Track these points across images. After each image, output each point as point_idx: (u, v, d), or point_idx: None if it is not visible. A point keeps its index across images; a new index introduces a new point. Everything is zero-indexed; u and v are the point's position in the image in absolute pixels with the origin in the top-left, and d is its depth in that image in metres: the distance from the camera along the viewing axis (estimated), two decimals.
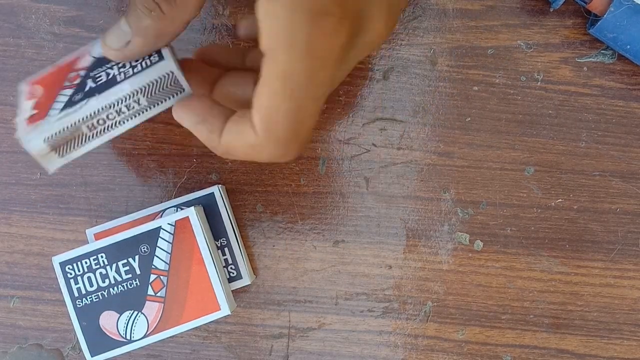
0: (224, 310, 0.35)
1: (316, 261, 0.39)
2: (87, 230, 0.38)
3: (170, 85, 0.30)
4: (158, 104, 0.30)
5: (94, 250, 0.35)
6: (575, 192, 0.39)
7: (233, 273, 0.38)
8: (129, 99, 0.30)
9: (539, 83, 0.39)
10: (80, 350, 0.39)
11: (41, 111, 0.30)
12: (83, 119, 0.30)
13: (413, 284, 0.39)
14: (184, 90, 0.30)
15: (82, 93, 0.30)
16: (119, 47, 0.29)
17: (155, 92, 0.30)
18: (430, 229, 0.39)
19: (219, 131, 0.28)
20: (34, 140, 0.30)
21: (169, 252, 0.35)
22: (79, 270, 0.35)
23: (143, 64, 0.30)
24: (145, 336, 0.35)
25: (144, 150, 0.39)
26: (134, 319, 0.35)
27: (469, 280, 0.39)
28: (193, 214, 0.35)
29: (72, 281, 0.35)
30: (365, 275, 0.39)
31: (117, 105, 0.30)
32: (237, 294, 0.39)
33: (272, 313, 0.39)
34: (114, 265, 0.35)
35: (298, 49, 0.24)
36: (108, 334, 0.35)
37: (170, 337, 0.35)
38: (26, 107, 0.31)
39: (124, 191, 0.39)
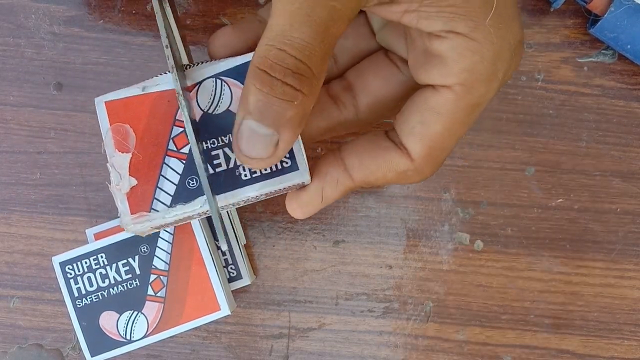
0: (224, 310, 0.35)
1: (316, 261, 0.39)
2: (87, 230, 0.38)
3: (296, 187, 0.26)
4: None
5: (93, 250, 0.35)
6: (575, 192, 0.39)
7: (233, 273, 0.38)
8: (249, 200, 0.26)
9: (539, 83, 0.39)
10: (80, 350, 0.39)
11: (143, 185, 0.25)
12: (198, 214, 0.26)
13: (413, 284, 0.39)
14: (304, 183, 0.26)
15: (197, 179, 0.25)
16: (269, 155, 0.24)
17: (278, 193, 0.26)
18: (431, 229, 0.39)
19: (346, 176, 0.26)
20: (139, 229, 0.26)
21: (169, 252, 0.35)
22: (78, 270, 0.35)
23: (273, 167, 0.26)
24: (145, 336, 0.35)
25: None
26: (134, 319, 0.35)
27: (469, 280, 0.39)
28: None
29: (72, 281, 0.35)
30: (366, 275, 0.39)
31: (236, 204, 0.26)
32: (237, 294, 0.39)
33: (272, 313, 0.39)
34: (113, 265, 0.35)
35: (497, 81, 0.24)
36: (108, 334, 0.35)
37: (170, 337, 0.35)
38: (122, 165, 0.25)
39: None
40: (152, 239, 0.35)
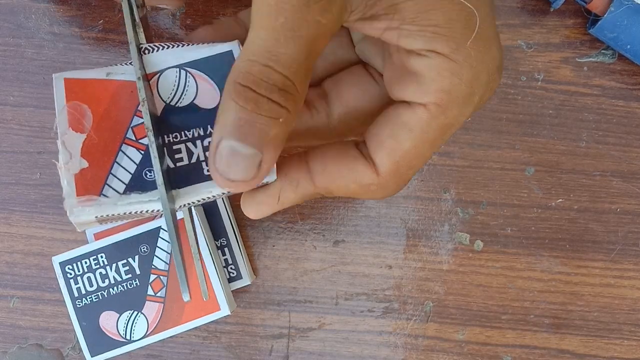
0: (224, 310, 0.35)
1: (316, 261, 0.39)
2: (86, 230, 0.38)
3: (261, 186, 0.25)
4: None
5: (93, 250, 0.35)
6: (575, 192, 0.39)
7: (233, 273, 0.38)
8: (211, 198, 0.24)
9: (539, 83, 0.39)
10: (80, 350, 0.39)
11: (95, 169, 0.24)
12: (152, 211, 0.24)
13: (413, 284, 0.39)
14: (268, 183, 0.26)
15: (154, 173, 0.24)
16: (252, 176, 0.22)
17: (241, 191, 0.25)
18: (431, 229, 0.39)
19: (307, 180, 0.25)
20: (86, 216, 0.23)
21: (169, 252, 0.35)
22: (78, 270, 0.35)
23: None
24: (145, 336, 0.35)
25: None
26: (134, 319, 0.35)
27: (469, 280, 0.39)
28: (193, 214, 0.35)
29: (72, 281, 0.35)
30: (366, 275, 0.39)
31: (196, 203, 0.24)
32: (237, 294, 0.39)
33: (272, 313, 0.39)
34: (113, 265, 0.35)
35: (472, 104, 0.24)
36: (108, 334, 0.35)
37: (170, 337, 0.35)
38: (74, 144, 0.24)
39: None
40: (152, 239, 0.35)
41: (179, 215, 0.35)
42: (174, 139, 0.24)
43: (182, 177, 0.24)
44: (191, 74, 0.24)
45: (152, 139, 0.23)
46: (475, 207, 0.39)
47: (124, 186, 0.24)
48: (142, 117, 0.24)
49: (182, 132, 0.24)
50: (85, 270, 0.35)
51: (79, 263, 0.35)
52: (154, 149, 0.23)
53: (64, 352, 0.40)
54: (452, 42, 0.22)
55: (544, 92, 0.39)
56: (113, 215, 0.24)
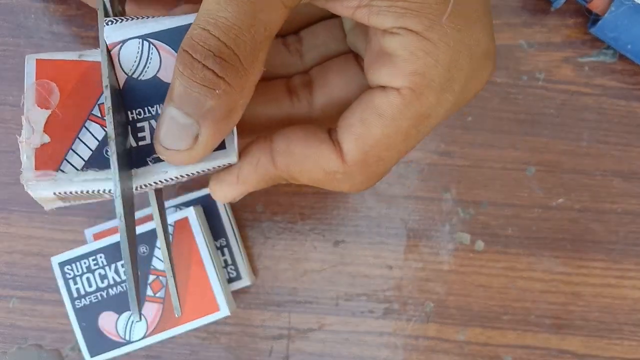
0: (224, 311, 0.35)
1: (316, 261, 0.39)
2: (86, 231, 0.38)
3: (223, 167, 0.25)
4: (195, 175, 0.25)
5: (93, 251, 0.35)
6: (576, 192, 0.39)
7: (233, 274, 0.38)
8: (171, 181, 0.24)
9: (540, 82, 0.39)
10: (80, 350, 0.39)
11: (56, 145, 0.23)
12: (109, 191, 0.23)
13: (414, 285, 0.39)
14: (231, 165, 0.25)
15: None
16: (187, 147, 0.21)
17: (203, 174, 0.24)
18: (431, 229, 0.39)
19: (268, 159, 0.24)
20: (42, 190, 0.23)
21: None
22: (78, 271, 0.35)
23: None
24: (144, 337, 0.35)
25: None
26: (133, 320, 0.35)
27: (470, 280, 0.39)
28: (192, 214, 0.35)
29: (71, 281, 0.35)
30: (366, 275, 0.39)
31: (154, 184, 0.24)
32: (236, 295, 0.39)
33: (272, 314, 0.39)
34: (113, 266, 0.35)
35: (452, 92, 0.22)
36: (107, 334, 0.35)
37: (169, 338, 0.35)
38: (37, 120, 0.24)
39: None
40: (151, 240, 0.35)
41: (180, 215, 0.35)
42: (138, 116, 0.23)
43: (142, 157, 0.23)
44: (154, 46, 0.23)
45: (110, 112, 0.22)
46: (476, 207, 0.39)
47: (83, 163, 0.23)
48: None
49: (146, 108, 0.23)
50: (85, 270, 0.35)
51: (78, 263, 0.35)
52: (110, 116, 0.22)
53: (63, 352, 0.39)
54: (425, 18, 0.21)
55: (544, 91, 0.39)
56: (71, 192, 0.23)
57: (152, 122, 0.23)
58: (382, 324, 0.39)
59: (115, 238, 0.35)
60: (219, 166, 0.24)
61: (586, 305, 0.39)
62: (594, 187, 0.39)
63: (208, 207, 0.38)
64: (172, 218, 0.35)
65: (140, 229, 0.35)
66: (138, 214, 0.38)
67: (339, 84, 0.26)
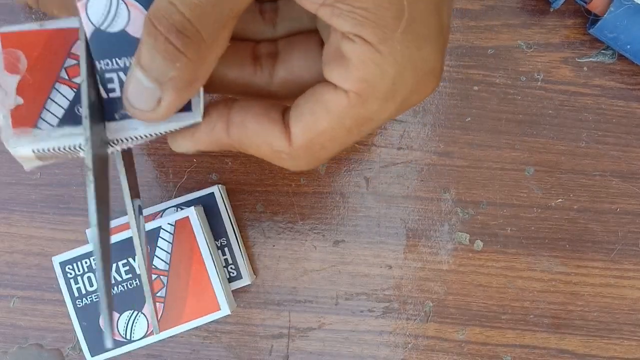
0: (224, 310, 0.35)
1: (316, 261, 0.39)
2: (87, 230, 0.38)
3: (189, 127, 0.26)
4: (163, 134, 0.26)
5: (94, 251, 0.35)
6: (575, 192, 0.39)
7: (233, 273, 0.38)
8: (141, 138, 0.25)
9: (539, 83, 0.39)
10: (80, 350, 0.39)
11: (30, 105, 0.25)
12: (82, 145, 0.25)
13: (413, 284, 0.39)
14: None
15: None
16: (150, 109, 0.23)
17: (168, 134, 0.26)
18: (431, 229, 0.39)
19: (223, 128, 0.25)
20: (21, 147, 0.25)
21: (169, 252, 0.35)
22: (79, 270, 0.35)
23: None
24: (145, 336, 0.35)
25: (144, 150, 0.39)
26: (134, 319, 0.35)
27: (469, 280, 0.39)
28: (193, 214, 0.35)
29: (72, 281, 0.35)
30: (366, 275, 0.39)
31: (125, 141, 0.25)
32: (237, 294, 0.39)
33: (272, 313, 0.39)
34: (113, 265, 0.35)
35: (394, 103, 0.23)
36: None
37: (170, 337, 0.35)
38: (9, 84, 0.25)
39: None
40: (152, 239, 0.35)
41: (181, 215, 0.35)
42: (106, 67, 0.24)
43: (112, 109, 0.24)
44: (123, 1, 0.24)
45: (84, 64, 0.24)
46: (475, 207, 0.39)
47: (57, 120, 0.25)
48: (75, 59, 0.25)
49: (114, 60, 0.24)
50: (86, 270, 0.35)
51: (79, 263, 0.35)
52: (84, 62, 0.23)
53: (64, 352, 0.40)
54: (380, 30, 0.22)
55: (543, 92, 0.39)
56: (50, 149, 0.25)
57: (121, 74, 0.24)
58: (382, 323, 0.39)
59: (116, 238, 0.35)
60: (186, 125, 0.25)
61: (585, 305, 0.39)
62: (593, 187, 0.39)
63: (209, 207, 0.38)
64: (173, 218, 0.35)
65: None
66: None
67: (300, 64, 0.27)
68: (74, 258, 0.35)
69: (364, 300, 0.39)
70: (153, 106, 0.23)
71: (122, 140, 0.25)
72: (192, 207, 0.35)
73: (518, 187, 0.39)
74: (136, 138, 0.25)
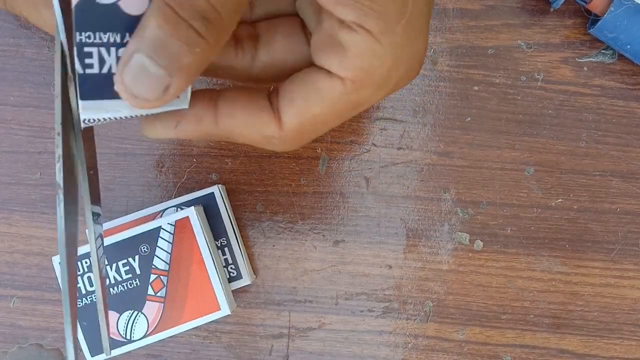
0: (224, 310, 0.35)
1: (316, 261, 0.39)
2: (86, 230, 0.38)
3: (169, 112, 0.24)
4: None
5: None
6: (575, 192, 0.39)
7: (233, 273, 0.38)
8: (119, 119, 0.23)
9: (539, 83, 0.39)
10: (80, 350, 0.39)
11: None
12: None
13: (413, 284, 0.39)
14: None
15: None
16: (155, 97, 0.22)
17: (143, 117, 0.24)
18: (430, 229, 0.39)
19: (212, 119, 0.25)
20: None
21: (169, 252, 0.35)
22: (79, 270, 0.35)
23: None
24: (145, 336, 0.35)
25: (144, 150, 0.39)
26: (134, 319, 0.35)
27: (469, 280, 0.39)
28: (193, 214, 0.35)
29: None
30: (366, 275, 0.39)
31: (102, 120, 0.23)
32: (237, 294, 0.39)
33: (272, 313, 0.39)
34: (114, 265, 0.35)
35: (386, 89, 0.25)
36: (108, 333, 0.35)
37: (170, 337, 0.35)
38: None
39: (124, 191, 0.39)
40: (152, 239, 0.35)
41: (181, 215, 0.35)
42: (87, 39, 0.22)
43: (89, 88, 0.22)
44: None
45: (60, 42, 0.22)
46: (475, 207, 0.39)
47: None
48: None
49: (97, 34, 0.22)
50: (86, 270, 0.35)
51: (79, 263, 0.35)
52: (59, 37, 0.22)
53: (64, 351, 0.40)
54: (382, 22, 0.23)
55: (543, 92, 0.39)
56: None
57: (102, 49, 0.22)
58: (382, 323, 0.39)
59: (115, 238, 0.35)
60: (169, 110, 0.24)
61: (585, 305, 0.39)
62: (593, 187, 0.39)
63: (209, 207, 0.38)
64: (173, 218, 0.35)
65: (141, 229, 0.35)
66: (140, 214, 0.38)
67: (283, 48, 0.27)
68: None
69: (364, 300, 0.39)
70: (159, 94, 0.21)
71: (99, 120, 0.23)
72: (192, 207, 0.35)
73: (518, 187, 0.39)
74: (115, 119, 0.23)
